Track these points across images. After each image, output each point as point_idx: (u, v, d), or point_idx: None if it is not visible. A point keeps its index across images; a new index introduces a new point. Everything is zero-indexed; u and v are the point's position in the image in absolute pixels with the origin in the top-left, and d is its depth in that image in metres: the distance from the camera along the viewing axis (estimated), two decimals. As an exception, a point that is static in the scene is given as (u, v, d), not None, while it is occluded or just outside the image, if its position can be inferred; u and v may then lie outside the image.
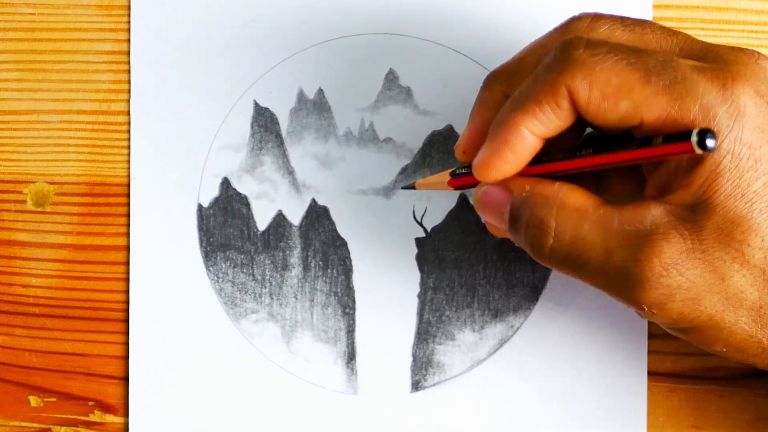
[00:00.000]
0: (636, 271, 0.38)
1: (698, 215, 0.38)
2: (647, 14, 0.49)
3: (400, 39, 0.50)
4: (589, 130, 0.43)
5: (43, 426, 0.51)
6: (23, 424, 0.51)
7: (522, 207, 0.41)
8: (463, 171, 0.45)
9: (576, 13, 0.42)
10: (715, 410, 0.49)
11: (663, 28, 0.41)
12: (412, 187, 0.48)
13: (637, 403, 0.49)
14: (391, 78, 0.50)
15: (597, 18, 0.41)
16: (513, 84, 0.42)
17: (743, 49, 0.40)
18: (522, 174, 0.41)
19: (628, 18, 0.41)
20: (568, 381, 0.49)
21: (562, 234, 0.40)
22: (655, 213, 0.38)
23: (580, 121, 0.40)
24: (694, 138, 0.35)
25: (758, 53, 0.39)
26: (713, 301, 0.38)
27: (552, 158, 0.41)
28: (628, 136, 0.39)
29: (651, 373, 0.49)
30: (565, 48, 0.39)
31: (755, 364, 0.41)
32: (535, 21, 0.49)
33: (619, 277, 0.39)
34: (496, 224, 0.43)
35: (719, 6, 0.49)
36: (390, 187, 0.50)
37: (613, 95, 0.38)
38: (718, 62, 0.39)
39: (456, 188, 0.45)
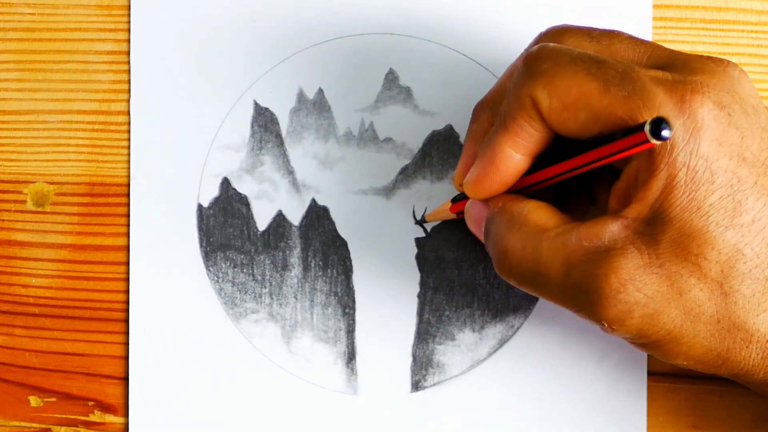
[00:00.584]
0: (594, 288, 0.38)
1: (655, 229, 0.37)
2: (647, 14, 0.49)
3: (400, 39, 0.50)
4: None
5: (43, 426, 0.51)
6: (23, 424, 0.51)
7: (490, 223, 0.42)
8: (460, 196, 0.46)
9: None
10: (715, 410, 0.49)
11: (631, 37, 0.40)
12: (424, 220, 0.49)
13: (637, 403, 0.49)
14: (391, 78, 0.50)
15: (564, 31, 0.41)
16: (497, 112, 0.42)
17: (712, 57, 0.39)
18: (512, 188, 0.42)
19: (596, 29, 0.41)
20: (568, 381, 0.49)
21: (522, 251, 0.40)
22: (612, 228, 0.38)
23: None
24: (647, 127, 0.35)
25: (728, 61, 0.39)
26: (672, 316, 0.38)
27: (530, 170, 0.41)
28: (605, 139, 0.39)
29: (651, 373, 0.49)
30: (528, 59, 0.39)
31: (717, 373, 0.40)
32: (535, 21, 0.49)
33: (578, 294, 0.39)
34: (479, 238, 0.44)
35: (719, 6, 0.49)
36: (390, 187, 0.50)
37: (572, 105, 0.38)
38: (684, 71, 0.38)
39: (457, 214, 0.46)
